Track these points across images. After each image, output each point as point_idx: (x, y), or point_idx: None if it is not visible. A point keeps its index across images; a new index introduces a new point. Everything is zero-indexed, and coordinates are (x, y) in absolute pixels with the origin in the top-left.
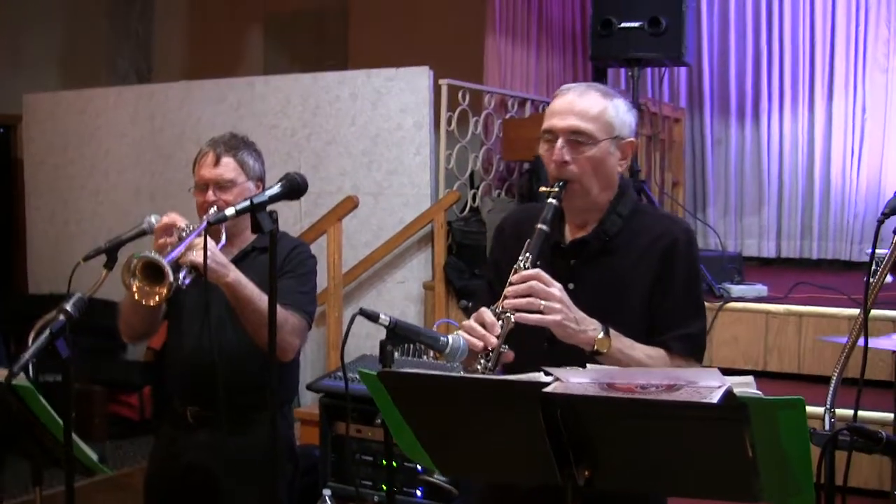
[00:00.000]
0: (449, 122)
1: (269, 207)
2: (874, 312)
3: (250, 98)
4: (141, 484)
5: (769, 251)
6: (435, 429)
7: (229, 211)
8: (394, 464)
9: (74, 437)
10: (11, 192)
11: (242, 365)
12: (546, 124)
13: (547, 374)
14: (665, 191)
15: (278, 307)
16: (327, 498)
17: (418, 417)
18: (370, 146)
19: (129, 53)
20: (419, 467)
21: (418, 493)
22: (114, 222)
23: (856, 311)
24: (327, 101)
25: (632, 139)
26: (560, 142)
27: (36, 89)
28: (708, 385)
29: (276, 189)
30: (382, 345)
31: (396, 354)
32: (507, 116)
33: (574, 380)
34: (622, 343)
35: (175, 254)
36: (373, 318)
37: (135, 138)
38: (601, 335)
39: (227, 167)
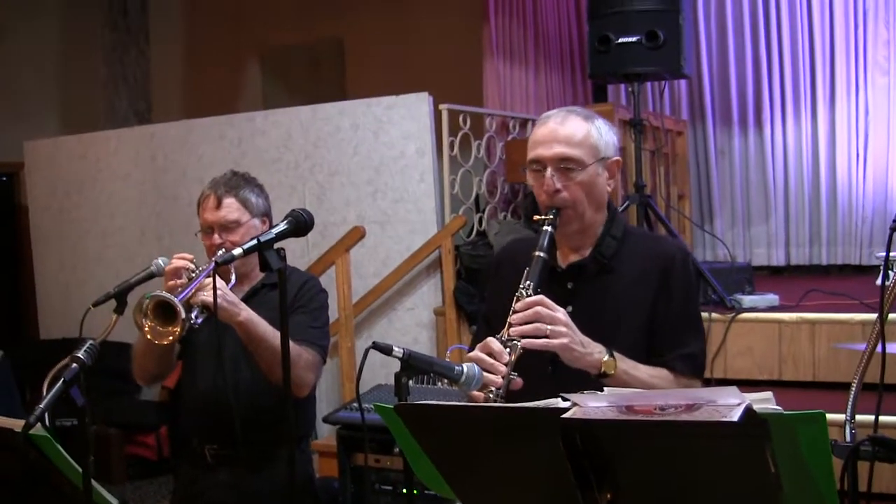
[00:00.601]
0: (451, 147)
1: (277, 245)
2: (891, 317)
3: (251, 133)
4: None
5: (779, 259)
6: (454, 459)
7: (237, 251)
8: (414, 491)
9: (94, 483)
10: (18, 238)
11: (258, 402)
12: (532, 154)
13: (564, 399)
14: (671, 204)
15: (291, 343)
16: None
17: (437, 448)
18: (374, 175)
19: (127, 95)
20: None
21: None
22: (121, 265)
23: (869, 316)
24: (328, 133)
25: (617, 158)
26: (549, 171)
27: (36, 135)
28: (727, 403)
29: (282, 226)
30: (397, 377)
31: (411, 383)
32: (510, 138)
33: (592, 404)
34: (627, 364)
35: (185, 294)
36: (386, 351)
37: (138, 179)
38: (606, 357)
39: (230, 208)
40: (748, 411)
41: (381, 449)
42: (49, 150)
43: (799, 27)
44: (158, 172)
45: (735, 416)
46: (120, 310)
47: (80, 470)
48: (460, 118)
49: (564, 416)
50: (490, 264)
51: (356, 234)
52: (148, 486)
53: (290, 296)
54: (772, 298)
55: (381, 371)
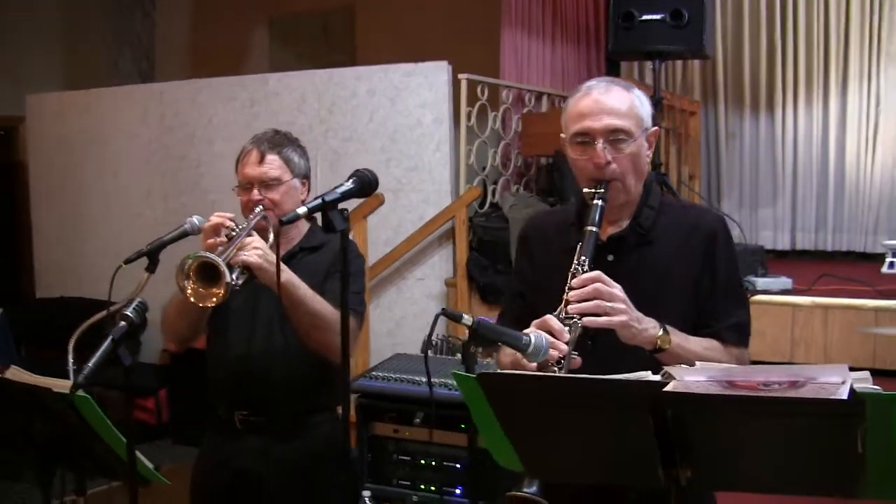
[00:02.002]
0: (469, 118)
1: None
2: None
3: (264, 95)
4: (168, 488)
5: (784, 243)
6: (532, 431)
7: (301, 210)
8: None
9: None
10: (15, 195)
11: (293, 369)
12: (577, 126)
13: (654, 373)
14: (683, 183)
15: (331, 309)
16: (367, 499)
17: (515, 418)
18: (388, 143)
19: (131, 54)
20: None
21: (457, 491)
22: (125, 224)
23: (882, 303)
24: (343, 98)
25: (656, 128)
26: (601, 143)
27: (37, 91)
28: (830, 381)
29: (347, 185)
30: (465, 346)
31: (431, 353)
32: (525, 111)
33: (689, 378)
34: (679, 338)
35: (228, 254)
36: (455, 318)
37: (144, 138)
38: (661, 332)
39: (273, 165)
40: (852, 390)
41: (401, 419)
42: (53, 104)
43: (814, 13)
44: (166, 132)
45: (843, 394)
46: (152, 268)
47: (115, 432)
48: (478, 89)
49: (666, 389)
50: (518, 237)
51: (375, 202)
52: (147, 449)
53: (329, 260)
54: (785, 282)
55: (388, 340)
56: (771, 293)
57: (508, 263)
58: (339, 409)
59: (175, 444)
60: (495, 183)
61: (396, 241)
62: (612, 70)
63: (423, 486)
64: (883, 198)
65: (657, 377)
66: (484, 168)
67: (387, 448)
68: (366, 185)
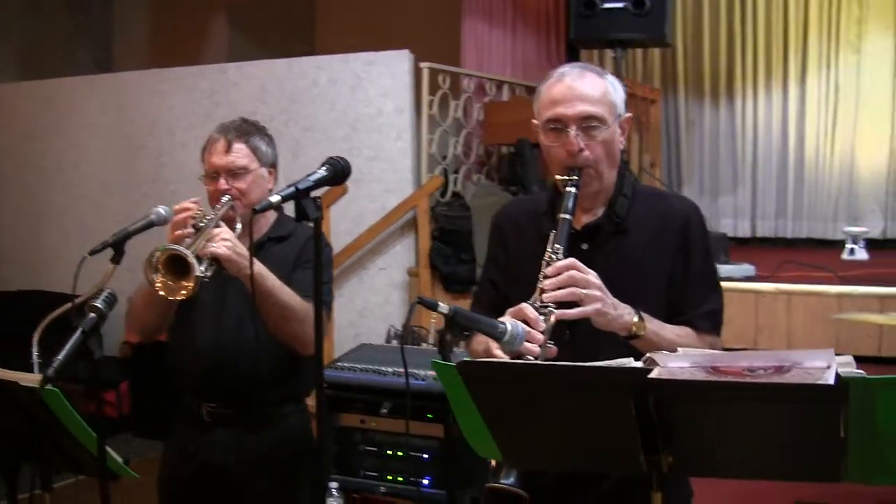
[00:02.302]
0: (430, 107)
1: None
2: (861, 289)
3: (224, 85)
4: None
5: (744, 231)
6: (512, 419)
7: (274, 198)
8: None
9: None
10: None
11: (262, 360)
12: (549, 113)
13: (637, 356)
14: (644, 169)
15: (300, 299)
16: (334, 490)
17: (496, 408)
18: (350, 132)
19: (88, 44)
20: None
21: (425, 482)
22: (86, 215)
23: (845, 289)
24: (304, 87)
25: (629, 114)
26: (573, 130)
27: None
28: (814, 366)
29: (320, 173)
30: (441, 334)
31: (394, 342)
32: (486, 99)
33: (672, 364)
34: (654, 325)
35: (195, 245)
36: (432, 306)
37: (104, 128)
38: (636, 319)
39: (240, 154)
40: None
41: (368, 409)
42: (11, 95)
43: (774, 1)
44: (126, 122)
45: (829, 379)
46: (117, 259)
47: (84, 426)
48: (440, 78)
49: (651, 376)
50: (491, 225)
51: (338, 191)
52: (109, 443)
53: (296, 250)
54: (748, 269)
55: (350, 331)
56: (734, 280)
57: (471, 252)
58: (308, 401)
59: (137, 438)
60: (457, 172)
61: (358, 232)
62: (573, 58)
63: (390, 477)
64: (842, 185)
65: (639, 364)
66: (445, 157)
67: (353, 439)
68: (339, 172)
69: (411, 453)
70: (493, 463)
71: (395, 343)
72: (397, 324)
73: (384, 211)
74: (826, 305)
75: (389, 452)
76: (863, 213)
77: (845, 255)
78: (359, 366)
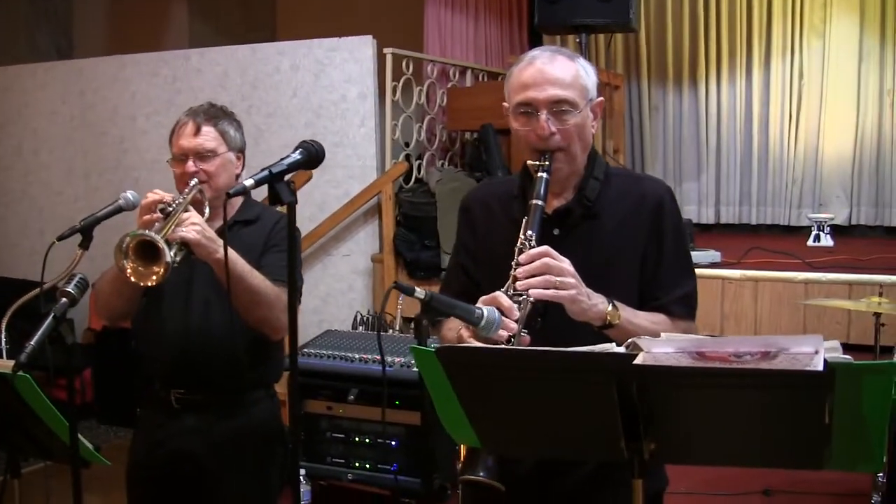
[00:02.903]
0: (394, 92)
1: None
2: (828, 276)
3: (186, 71)
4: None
5: (708, 217)
6: (492, 406)
7: (248, 181)
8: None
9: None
10: None
11: (230, 345)
12: (520, 97)
13: (619, 345)
14: (608, 155)
15: (270, 284)
16: (301, 477)
17: (476, 395)
18: (313, 118)
19: (48, 30)
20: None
21: (392, 469)
22: (45, 202)
23: (811, 275)
24: (266, 73)
25: (601, 98)
26: (544, 114)
27: None
28: (802, 351)
29: (294, 157)
30: (418, 319)
31: (361, 329)
32: (450, 85)
33: (657, 350)
34: (628, 313)
35: (165, 230)
36: (408, 291)
37: (65, 115)
38: (610, 307)
39: (208, 136)
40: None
41: (334, 396)
42: None
43: None
44: (87, 109)
45: (819, 365)
46: (85, 244)
47: (55, 412)
48: (403, 63)
49: (636, 361)
50: (460, 209)
51: (303, 177)
52: None
53: (264, 234)
54: (714, 255)
55: (313, 318)
56: (700, 266)
57: (435, 239)
58: (277, 387)
59: (101, 424)
60: (420, 158)
61: (321, 218)
62: (536, 44)
63: (357, 464)
64: (807, 171)
65: (622, 349)
66: (409, 143)
67: (320, 426)
68: (313, 156)
69: (379, 440)
70: (462, 452)
71: (361, 329)
72: (362, 310)
73: (348, 197)
74: (793, 292)
75: (357, 439)
76: (828, 200)
77: (811, 242)
78: (325, 352)
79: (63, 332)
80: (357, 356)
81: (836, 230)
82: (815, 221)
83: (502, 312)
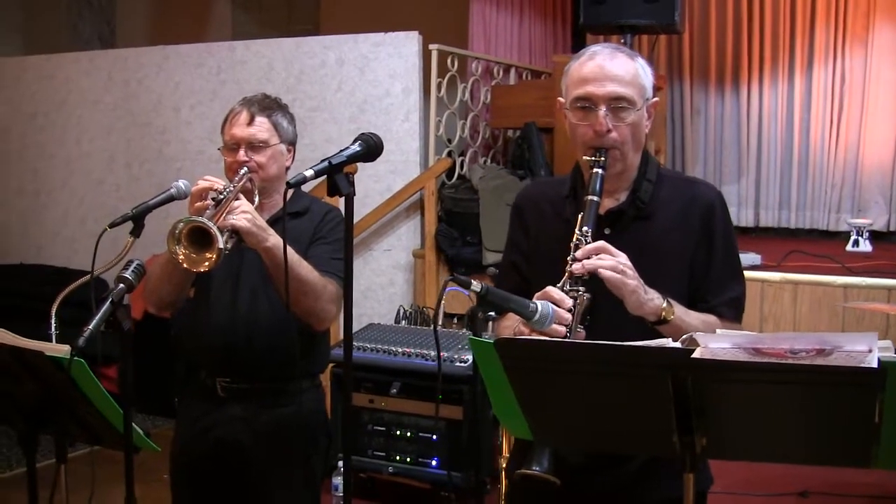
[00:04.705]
0: (439, 89)
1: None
2: (868, 280)
3: (231, 63)
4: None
5: (748, 220)
6: (547, 398)
7: (308, 172)
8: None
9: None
10: None
11: (276, 336)
12: (579, 91)
13: (675, 340)
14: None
15: (318, 275)
16: (341, 469)
17: (532, 387)
18: (357, 112)
19: (90, 18)
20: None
21: (433, 463)
22: (87, 191)
23: (850, 280)
24: (312, 67)
25: (656, 98)
26: (603, 109)
27: None
28: (856, 349)
29: (354, 149)
30: (473, 312)
31: (404, 323)
32: (493, 83)
33: (714, 345)
34: (681, 311)
35: (218, 217)
36: (465, 284)
37: (108, 105)
38: (665, 304)
39: (261, 127)
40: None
41: (376, 389)
42: (14, 69)
43: None
44: (131, 98)
45: (872, 362)
46: (136, 232)
47: (108, 398)
48: (448, 60)
49: (694, 355)
50: (513, 208)
51: (349, 171)
52: None
53: (313, 225)
54: (754, 257)
55: (354, 311)
56: None
57: (477, 235)
58: (322, 379)
59: (138, 413)
60: (463, 154)
61: (363, 212)
62: (580, 44)
63: (398, 458)
64: (847, 176)
65: (678, 344)
66: (452, 140)
67: (361, 418)
68: (372, 148)
69: (420, 434)
70: (504, 447)
71: (404, 324)
72: (405, 304)
73: (390, 192)
74: (832, 296)
75: (398, 433)
76: (867, 205)
77: (849, 247)
78: (368, 345)
79: (120, 316)
80: (400, 350)
81: (875, 236)
82: (854, 227)
83: (557, 307)
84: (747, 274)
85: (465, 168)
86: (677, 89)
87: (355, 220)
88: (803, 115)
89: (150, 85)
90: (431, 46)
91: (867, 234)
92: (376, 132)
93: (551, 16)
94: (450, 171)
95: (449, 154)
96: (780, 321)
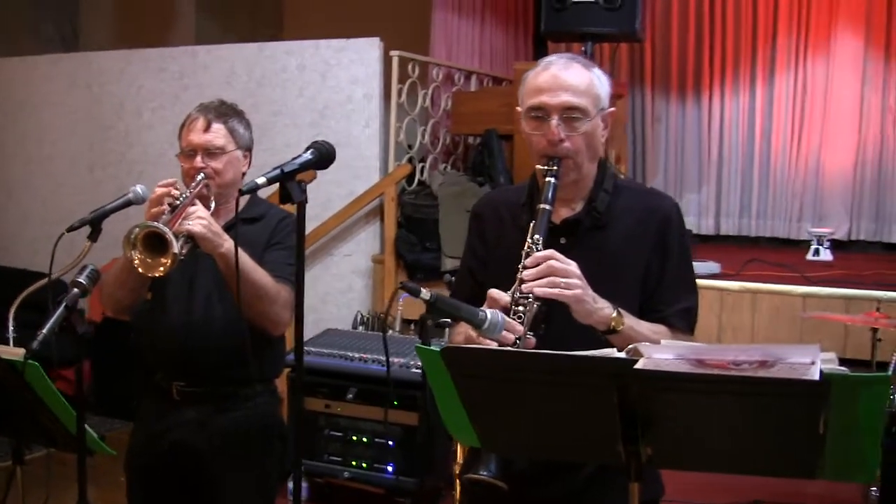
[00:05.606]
0: (399, 95)
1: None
2: (826, 290)
3: (193, 68)
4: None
5: (708, 228)
6: (494, 406)
7: (260, 179)
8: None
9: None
10: None
11: (231, 339)
12: (534, 101)
13: (619, 350)
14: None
15: (271, 280)
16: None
17: (478, 395)
18: (318, 118)
19: (53, 18)
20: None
21: (389, 468)
22: (48, 193)
23: (810, 289)
24: (273, 72)
25: (613, 108)
26: (556, 119)
27: None
28: (799, 361)
29: (306, 157)
30: (423, 319)
31: (361, 328)
32: (454, 89)
33: (657, 355)
34: (631, 321)
35: (173, 222)
36: (414, 292)
37: (71, 107)
38: (614, 313)
39: (218, 134)
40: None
41: (332, 394)
42: None
43: None
44: (93, 102)
45: (815, 374)
46: (94, 237)
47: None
48: (409, 66)
49: (637, 366)
50: (471, 215)
51: (307, 176)
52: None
53: (268, 231)
54: (712, 266)
55: (312, 317)
56: (699, 277)
57: (437, 241)
58: (278, 384)
59: (97, 416)
60: (423, 161)
61: (324, 217)
62: (541, 51)
63: (354, 463)
64: (808, 184)
65: (623, 354)
66: (412, 146)
67: (318, 423)
68: (324, 156)
69: (376, 440)
70: (459, 453)
71: (361, 329)
72: (361, 310)
73: (351, 197)
74: (791, 305)
75: (354, 438)
76: (828, 214)
77: (810, 256)
78: (325, 350)
79: (74, 321)
80: (357, 355)
81: (836, 245)
82: (815, 235)
83: (507, 314)
84: (706, 283)
85: (425, 174)
86: (638, 97)
87: (316, 225)
88: (765, 123)
89: (112, 89)
90: (392, 53)
91: (828, 242)
92: (337, 137)
93: (513, 23)
94: (410, 177)
95: (409, 160)
96: (738, 330)
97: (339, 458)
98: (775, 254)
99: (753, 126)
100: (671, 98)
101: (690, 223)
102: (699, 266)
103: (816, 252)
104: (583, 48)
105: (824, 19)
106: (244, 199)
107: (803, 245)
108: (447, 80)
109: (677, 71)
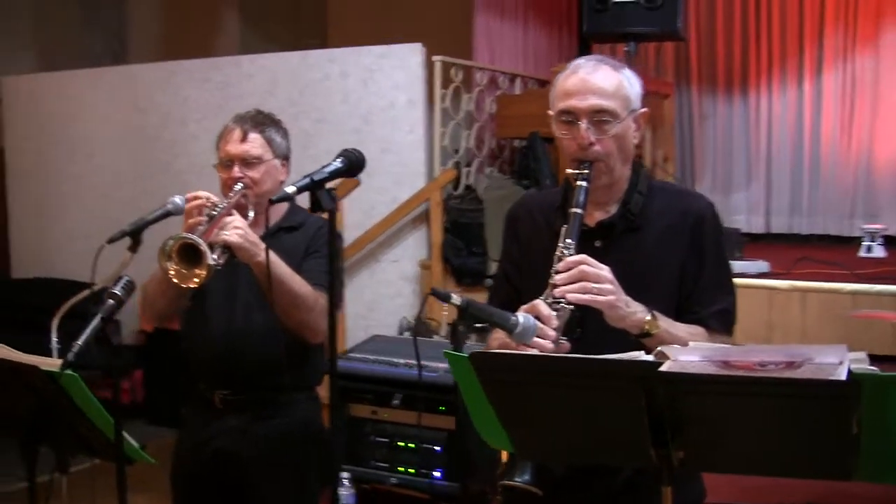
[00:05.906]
0: (443, 100)
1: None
2: (877, 287)
3: (237, 77)
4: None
5: (758, 227)
6: (523, 412)
7: (290, 188)
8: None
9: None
10: None
11: (272, 348)
12: (563, 105)
13: (647, 353)
14: (658, 164)
15: (310, 288)
16: (344, 481)
17: (506, 398)
18: (361, 124)
19: (101, 35)
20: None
21: (436, 473)
22: (96, 206)
23: (860, 287)
24: (316, 80)
25: (645, 109)
26: (585, 123)
27: (9, 73)
28: (827, 361)
29: (335, 165)
30: (454, 325)
31: (407, 334)
32: (499, 93)
33: (683, 358)
34: (666, 323)
35: (209, 233)
36: (445, 298)
37: (117, 120)
38: (648, 317)
39: (254, 143)
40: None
41: (378, 400)
42: (28, 86)
43: None
44: (139, 114)
45: (842, 375)
46: (134, 248)
47: (102, 411)
48: (452, 71)
49: (662, 369)
50: (506, 218)
51: (350, 184)
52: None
53: (306, 239)
54: (762, 265)
55: (361, 323)
56: (748, 276)
57: (483, 246)
58: (320, 391)
59: (150, 425)
60: (469, 165)
61: (369, 224)
62: (585, 52)
63: (401, 469)
64: (858, 181)
65: (650, 357)
66: (457, 150)
67: (364, 429)
68: (354, 164)
69: (423, 445)
70: (504, 457)
71: (407, 335)
72: (409, 316)
73: (395, 203)
74: (841, 303)
75: (401, 444)
76: (880, 210)
77: (861, 253)
78: (371, 357)
79: (109, 333)
80: (402, 361)
81: (889, 241)
82: (867, 232)
83: (541, 320)
84: (755, 282)
85: (471, 178)
86: (685, 96)
87: (362, 232)
88: (813, 119)
89: (158, 100)
90: (435, 58)
91: (880, 239)
92: (381, 144)
93: (556, 25)
94: (456, 182)
95: (455, 165)
96: (788, 330)
97: (385, 464)
98: (826, 252)
99: (802, 122)
100: (718, 96)
101: (740, 222)
102: (748, 266)
103: (869, 249)
104: (626, 48)
105: (872, 11)
106: (276, 209)
107: (855, 242)
108: (491, 83)
109: (723, 69)
